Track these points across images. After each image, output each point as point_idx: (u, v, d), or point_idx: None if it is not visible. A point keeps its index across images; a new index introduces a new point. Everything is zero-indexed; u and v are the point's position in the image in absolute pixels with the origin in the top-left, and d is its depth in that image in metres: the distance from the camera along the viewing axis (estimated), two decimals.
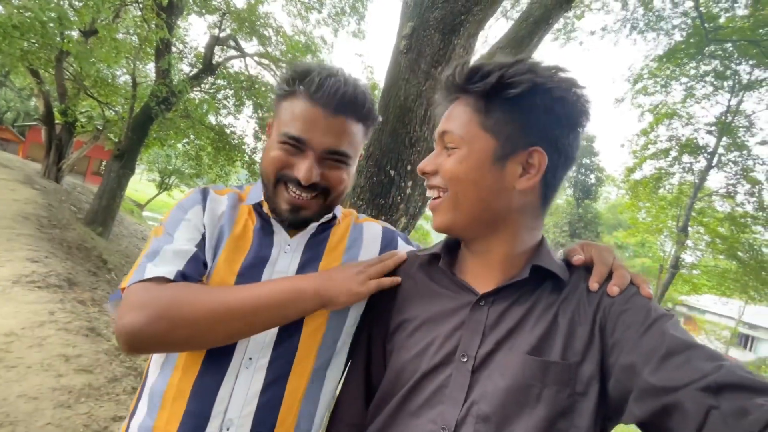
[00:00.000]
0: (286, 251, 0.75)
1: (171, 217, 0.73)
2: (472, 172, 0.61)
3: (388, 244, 0.85)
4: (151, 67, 10.21)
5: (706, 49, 9.02)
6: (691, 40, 8.82)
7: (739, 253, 10.96)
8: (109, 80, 9.71)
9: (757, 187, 10.42)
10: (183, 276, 0.65)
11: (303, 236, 0.78)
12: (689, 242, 12.20)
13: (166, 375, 0.68)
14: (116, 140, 9.27)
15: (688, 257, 12.94)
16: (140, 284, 0.62)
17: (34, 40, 6.36)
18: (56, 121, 9.74)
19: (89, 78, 8.72)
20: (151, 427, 0.66)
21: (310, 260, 0.77)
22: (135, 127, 8.29)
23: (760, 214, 10.53)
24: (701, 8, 7.67)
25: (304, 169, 0.69)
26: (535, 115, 0.60)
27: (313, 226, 0.79)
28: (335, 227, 0.83)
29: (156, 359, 0.72)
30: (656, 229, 13.36)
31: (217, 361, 0.67)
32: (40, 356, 2.49)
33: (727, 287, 12.13)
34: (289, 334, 0.71)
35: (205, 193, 0.77)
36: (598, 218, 25.01)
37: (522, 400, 0.54)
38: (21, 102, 21.70)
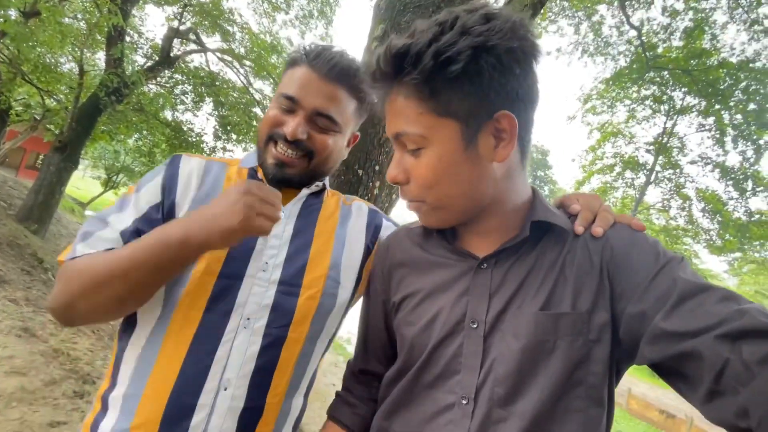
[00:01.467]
0: (281, 217, 0.75)
1: (131, 192, 0.73)
2: (448, 170, 0.56)
3: (373, 218, 0.88)
4: (100, 56, 9.55)
5: (647, 75, 9.90)
6: (634, 66, 9.65)
7: None
8: (52, 67, 8.96)
9: (687, 202, 11.50)
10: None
11: (296, 203, 0.79)
12: None
13: (157, 336, 0.66)
14: (57, 132, 8.55)
15: None
16: (67, 261, 0.65)
17: None
18: None
19: (28, 63, 7.99)
20: (140, 394, 0.64)
21: (303, 227, 0.78)
22: (80, 118, 7.69)
23: (690, 227, 11.62)
24: (643, 37, 8.44)
25: (292, 124, 0.73)
26: (487, 78, 0.52)
27: (304, 194, 0.80)
28: (326, 198, 0.85)
29: (137, 322, 0.68)
30: None
31: (215, 321, 0.67)
32: None
33: None
34: (286, 299, 0.71)
35: (175, 160, 0.77)
36: None
37: (537, 357, 0.53)
38: None
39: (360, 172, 2.23)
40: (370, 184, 2.15)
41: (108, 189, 19.99)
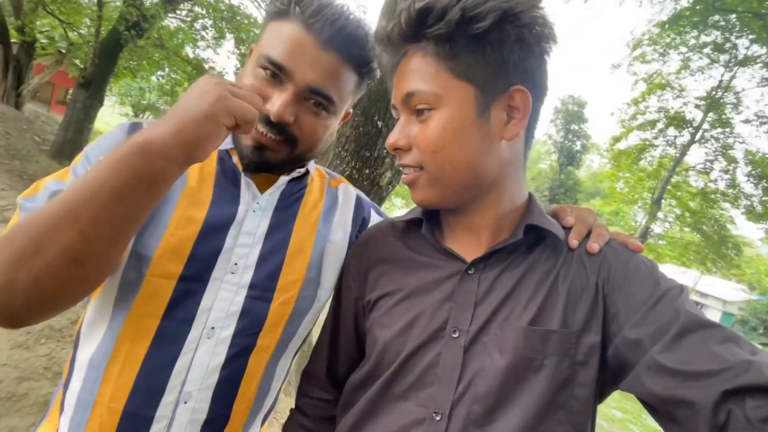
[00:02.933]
0: (255, 210, 0.66)
1: (82, 159, 0.60)
2: (458, 134, 0.53)
3: (360, 210, 0.78)
4: None
5: (710, 18, 8.76)
6: (698, 7, 8.52)
7: (704, 227, 11.48)
8: None
9: (732, 165, 10.70)
10: None
11: (274, 192, 0.68)
12: (660, 214, 12.65)
13: (107, 344, 0.59)
14: (82, 66, 8.52)
15: (657, 228, 13.50)
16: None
17: None
18: (12, 40, 8.80)
19: None
20: (92, 402, 0.58)
21: (281, 221, 0.68)
22: (102, 54, 7.60)
23: (730, 191, 10.92)
24: None
25: (278, 103, 0.59)
26: (508, 47, 0.52)
27: (283, 181, 0.69)
28: (309, 186, 0.74)
29: (90, 325, 0.62)
30: (632, 200, 13.74)
31: (174, 330, 0.59)
32: None
33: (688, 258, 12.83)
34: (257, 305, 0.64)
35: (134, 129, 0.63)
36: (578, 185, 25.49)
37: (522, 375, 0.50)
38: None
39: (380, 123, 2.10)
40: None
41: None
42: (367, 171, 2.07)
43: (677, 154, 11.69)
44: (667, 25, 9.58)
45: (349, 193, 0.79)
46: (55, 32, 10.04)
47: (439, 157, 0.54)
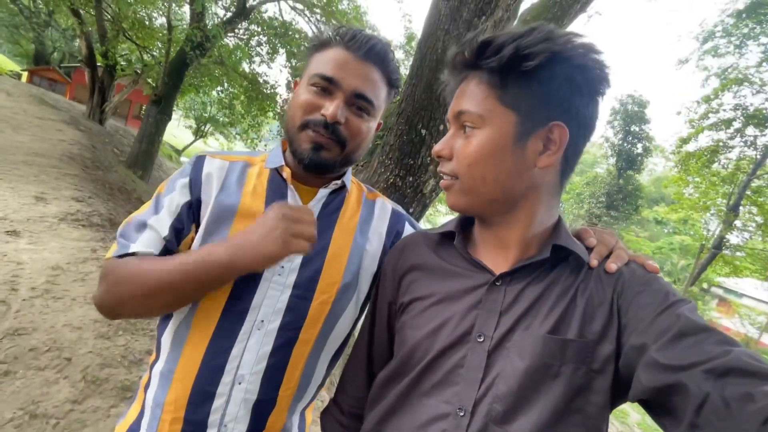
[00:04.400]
0: (316, 237, 0.74)
1: (163, 190, 0.76)
2: (493, 154, 0.59)
3: (395, 223, 0.85)
4: (186, 10, 10.05)
5: None
6: None
7: None
8: (146, 22, 9.68)
9: None
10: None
11: (316, 205, 0.78)
12: (738, 222, 11.40)
13: (183, 331, 0.72)
14: (154, 85, 9.40)
15: (733, 238, 12.17)
16: (111, 260, 0.70)
17: None
18: (98, 64, 9.94)
19: (127, 20, 8.71)
20: (173, 370, 0.71)
21: (321, 229, 0.75)
22: (171, 73, 8.35)
23: None
24: None
25: (332, 107, 0.71)
26: (555, 86, 0.57)
27: (323, 194, 0.78)
28: (347, 197, 0.82)
29: (171, 317, 0.75)
30: (703, 207, 12.53)
31: (231, 321, 0.71)
32: (83, 290, 2.68)
33: None
34: (300, 303, 0.73)
35: (199, 162, 0.78)
36: (639, 191, 23.61)
37: (540, 378, 0.54)
38: (66, 43, 22.17)
39: (423, 131, 2.12)
40: (433, 144, 2.03)
41: (198, 138, 21.95)
42: (411, 179, 2.10)
43: (758, 156, 10.50)
44: (744, 14, 8.69)
45: (385, 207, 0.87)
46: (132, 55, 11.20)
47: (472, 170, 0.60)
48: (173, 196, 0.74)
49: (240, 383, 0.70)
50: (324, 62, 0.74)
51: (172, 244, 0.72)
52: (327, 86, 0.72)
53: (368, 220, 0.83)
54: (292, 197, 0.76)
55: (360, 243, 0.79)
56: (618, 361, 0.54)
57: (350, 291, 0.77)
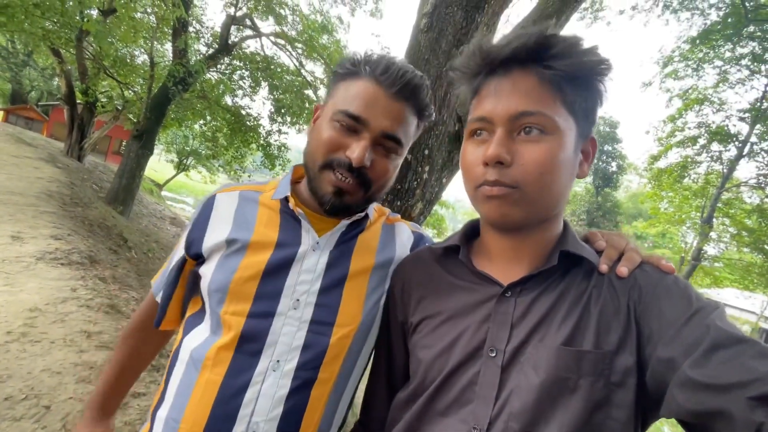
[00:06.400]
0: (314, 249, 0.72)
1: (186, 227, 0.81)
2: (564, 162, 0.55)
3: (416, 246, 0.82)
4: (168, 47, 10.19)
5: (745, 29, 8.49)
6: (729, 20, 8.32)
7: (766, 247, 10.55)
8: (128, 60, 9.76)
9: None
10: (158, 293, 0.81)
11: (332, 235, 0.74)
12: (713, 234, 11.80)
13: (192, 373, 0.67)
14: (135, 120, 9.38)
15: (711, 249, 12.56)
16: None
17: (55, 20, 6.40)
18: (78, 101, 9.88)
19: (108, 57, 8.76)
20: (179, 420, 0.65)
21: (338, 257, 0.73)
22: (153, 108, 8.35)
23: None
24: None
25: (358, 149, 0.66)
26: (595, 97, 0.58)
27: (343, 225, 0.75)
28: (367, 228, 0.79)
29: (180, 359, 0.71)
30: (679, 220, 12.95)
31: (244, 361, 0.66)
32: (63, 332, 2.56)
33: (751, 281, 11.73)
34: (318, 339, 0.68)
35: (208, 204, 0.78)
36: (617, 207, 24.33)
37: (556, 393, 0.51)
38: (44, 82, 22.09)
39: (409, 157, 2.17)
40: (419, 168, 2.08)
41: (180, 171, 21.71)
42: (399, 203, 2.13)
43: (725, 170, 11.03)
44: (698, 41, 9.36)
45: (404, 229, 0.84)
46: (113, 92, 11.20)
47: (542, 179, 0.54)
48: (179, 247, 0.79)
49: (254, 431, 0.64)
50: (352, 97, 0.68)
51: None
52: (353, 125, 0.67)
53: (388, 244, 0.79)
54: (305, 225, 0.73)
55: (380, 268, 0.75)
56: (643, 375, 0.51)
57: (372, 322, 0.73)
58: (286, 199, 0.75)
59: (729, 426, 0.40)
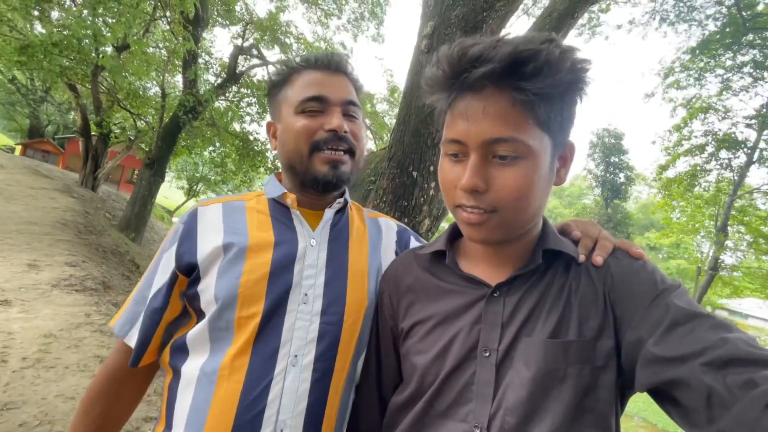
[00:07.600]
0: (312, 245, 0.75)
1: (161, 249, 0.76)
2: (539, 183, 0.55)
3: (402, 236, 0.87)
4: (179, 78, 10.59)
5: (744, 38, 8.57)
6: (727, 30, 8.41)
7: None
8: (141, 92, 10.13)
9: None
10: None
11: (324, 227, 0.77)
12: (729, 242, 11.56)
13: (207, 389, 0.65)
14: (147, 149, 9.66)
15: (728, 258, 12.26)
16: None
17: (72, 57, 6.71)
18: (92, 133, 10.22)
19: (122, 91, 9.11)
20: None
21: (337, 250, 0.76)
22: (164, 137, 8.61)
23: None
24: None
25: (335, 119, 0.74)
26: (572, 102, 0.56)
27: (329, 215, 0.78)
28: (350, 215, 0.84)
29: (185, 377, 0.69)
30: (692, 229, 12.75)
31: (263, 363, 0.66)
32: (77, 357, 2.59)
33: None
34: (330, 329, 0.70)
35: (191, 218, 0.75)
36: (628, 218, 24.01)
37: (548, 384, 0.54)
38: (60, 116, 22.97)
39: (414, 173, 2.20)
40: (425, 185, 2.11)
41: (190, 197, 22.14)
42: (406, 220, 2.15)
43: (735, 177, 10.90)
44: (697, 51, 9.45)
45: (389, 224, 0.90)
46: (126, 123, 11.59)
47: (519, 203, 0.55)
48: (160, 267, 0.74)
49: (282, 430, 0.64)
50: (303, 87, 0.75)
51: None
52: (318, 106, 0.74)
53: (378, 238, 0.84)
54: (298, 222, 0.76)
55: (375, 261, 0.80)
56: (620, 356, 0.54)
57: (375, 304, 0.76)
58: (282, 197, 0.77)
59: (687, 392, 0.44)
